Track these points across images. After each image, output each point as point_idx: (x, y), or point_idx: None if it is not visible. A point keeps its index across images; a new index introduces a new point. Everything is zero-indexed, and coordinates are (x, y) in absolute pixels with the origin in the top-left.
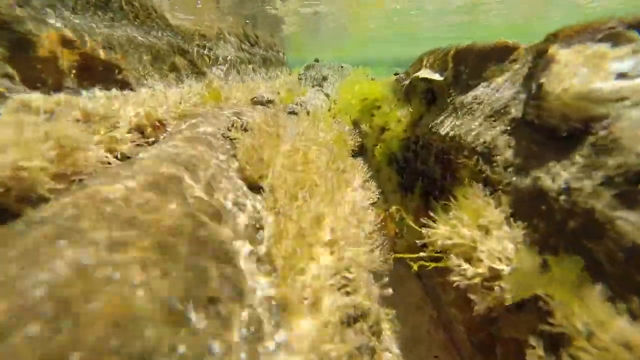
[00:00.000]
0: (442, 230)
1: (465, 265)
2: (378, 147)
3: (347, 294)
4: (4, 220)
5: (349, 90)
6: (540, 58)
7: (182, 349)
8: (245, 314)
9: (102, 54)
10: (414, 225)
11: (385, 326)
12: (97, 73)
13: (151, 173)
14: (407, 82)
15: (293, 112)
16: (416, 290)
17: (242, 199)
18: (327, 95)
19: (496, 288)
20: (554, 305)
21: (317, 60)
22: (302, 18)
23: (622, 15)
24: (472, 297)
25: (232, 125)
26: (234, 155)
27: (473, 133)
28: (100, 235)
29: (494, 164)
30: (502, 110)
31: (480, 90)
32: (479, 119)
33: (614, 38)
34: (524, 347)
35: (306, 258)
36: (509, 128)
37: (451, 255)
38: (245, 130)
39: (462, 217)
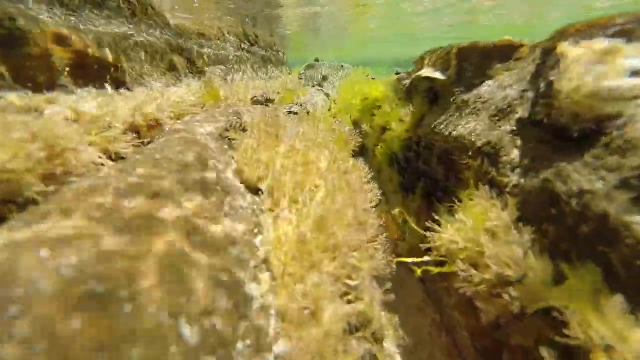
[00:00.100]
0: (446, 234)
1: (472, 271)
2: (379, 147)
3: (350, 302)
4: None
5: (349, 89)
6: (548, 55)
7: None
8: (242, 326)
9: (97, 51)
10: (417, 228)
11: (388, 332)
12: (91, 71)
13: (143, 176)
14: (408, 81)
15: (293, 112)
16: (417, 292)
17: (240, 202)
18: (327, 95)
19: (504, 295)
20: (568, 314)
21: (317, 60)
22: (302, 17)
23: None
24: (479, 304)
25: (231, 125)
26: (232, 156)
27: (477, 133)
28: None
29: (500, 165)
30: (507, 110)
31: (484, 89)
32: (483, 118)
33: (627, 34)
34: (532, 356)
35: (306, 264)
36: (515, 128)
37: (457, 261)
38: (244, 130)
39: (467, 220)
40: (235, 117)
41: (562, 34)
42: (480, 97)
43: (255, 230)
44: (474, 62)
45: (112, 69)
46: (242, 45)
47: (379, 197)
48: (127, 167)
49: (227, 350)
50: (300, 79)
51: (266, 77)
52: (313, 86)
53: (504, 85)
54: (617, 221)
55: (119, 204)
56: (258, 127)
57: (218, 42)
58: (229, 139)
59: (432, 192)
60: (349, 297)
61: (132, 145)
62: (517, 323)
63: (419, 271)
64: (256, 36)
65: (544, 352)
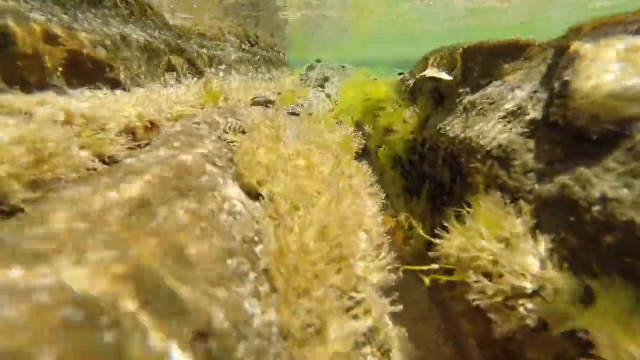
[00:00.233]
0: (456, 242)
1: (486, 282)
2: (382, 149)
3: (356, 317)
4: None
5: (350, 90)
6: (562, 54)
7: None
8: (241, 348)
9: (91, 51)
10: (423, 234)
11: (394, 344)
12: (86, 71)
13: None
14: (412, 81)
15: (294, 113)
16: (422, 298)
17: (239, 208)
18: (329, 96)
19: (520, 309)
20: (595, 333)
21: (318, 61)
22: (303, 18)
23: None
24: (493, 316)
25: (230, 127)
26: (231, 160)
27: (486, 135)
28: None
29: (511, 169)
30: (518, 111)
31: (492, 90)
32: (492, 120)
33: None
34: None
35: (310, 277)
36: (527, 130)
37: (470, 272)
38: (244, 132)
39: (479, 228)
40: (234, 119)
41: (576, 32)
42: (487, 98)
43: (256, 239)
44: (481, 62)
45: (108, 69)
46: (243, 46)
47: (383, 202)
48: (117, 171)
49: None
50: (302, 79)
51: (267, 77)
52: (314, 87)
53: (513, 86)
54: None
55: (105, 212)
56: (258, 129)
57: (218, 42)
58: (228, 141)
59: (437, 195)
60: (356, 311)
61: (128, 147)
62: (534, 337)
63: (427, 281)
64: (257, 37)
65: None
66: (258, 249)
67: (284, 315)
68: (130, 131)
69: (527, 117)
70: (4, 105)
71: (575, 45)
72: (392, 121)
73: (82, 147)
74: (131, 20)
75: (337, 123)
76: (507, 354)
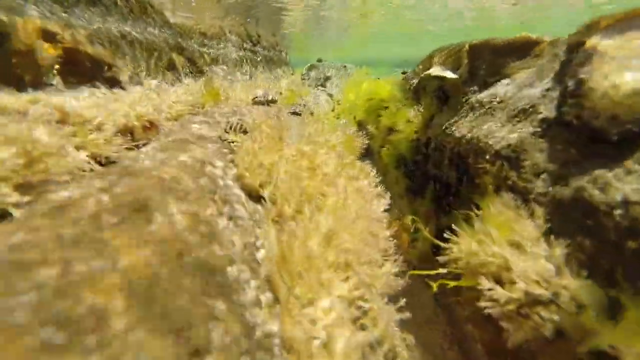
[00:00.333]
0: (465, 245)
1: (499, 290)
2: (385, 148)
3: (363, 327)
4: None
5: (353, 90)
6: (575, 51)
7: None
8: None
9: (89, 49)
10: (429, 237)
11: (402, 352)
12: (84, 70)
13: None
14: (416, 80)
15: (296, 113)
16: (427, 302)
17: (240, 212)
18: (331, 96)
19: (535, 317)
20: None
21: (320, 60)
22: (304, 18)
23: None
24: (505, 324)
25: (231, 127)
26: (232, 161)
27: (494, 135)
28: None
29: (522, 170)
30: (529, 110)
31: (501, 88)
32: (500, 119)
33: None
34: None
35: (315, 285)
36: (539, 129)
37: (482, 278)
38: (245, 132)
39: (489, 231)
40: (235, 119)
41: (591, 28)
42: (496, 97)
43: (258, 244)
44: (488, 59)
45: (106, 68)
46: (245, 45)
47: (388, 203)
48: (111, 174)
49: None
50: (304, 79)
51: (269, 77)
52: (316, 87)
53: (523, 84)
54: None
55: (97, 218)
56: (260, 129)
57: (220, 41)
58: (229, 141)
59: (442, 196)
60: (363, 320)
61: (125, 148)
62: (549, 346)
63: (435, 286)
64: (259, 36)
65: None
66: (260, 255)
67: (288, 327)
68: (128, 131)
69: (539, 117)
70: None
71: (591, 41)
72: (395, 121)
73: (76, 148)
74: (131, 18)
75: (340, 122)
76: None
